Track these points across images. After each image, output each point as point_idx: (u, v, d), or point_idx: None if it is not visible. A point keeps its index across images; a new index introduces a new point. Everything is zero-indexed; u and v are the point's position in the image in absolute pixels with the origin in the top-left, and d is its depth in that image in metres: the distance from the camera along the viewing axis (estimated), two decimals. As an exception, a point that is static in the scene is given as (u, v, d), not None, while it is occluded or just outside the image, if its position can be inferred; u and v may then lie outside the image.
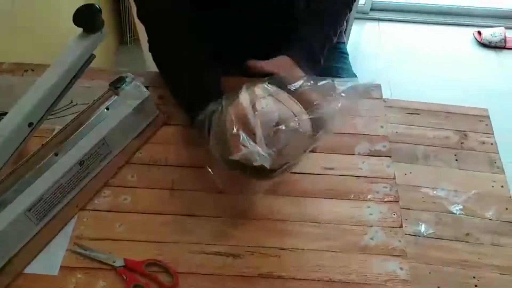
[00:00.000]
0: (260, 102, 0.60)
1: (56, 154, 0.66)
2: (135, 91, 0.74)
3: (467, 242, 0.69)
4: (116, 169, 0.73)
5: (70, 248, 0.64)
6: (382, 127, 0.81)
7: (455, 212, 0.72)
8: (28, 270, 0.62)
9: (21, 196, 0.62)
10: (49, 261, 0.63)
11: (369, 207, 0.71)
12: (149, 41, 0.82)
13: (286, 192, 0.72)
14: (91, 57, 0.63)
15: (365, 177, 0.74)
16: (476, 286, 0.64)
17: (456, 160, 0.79)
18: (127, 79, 0.74)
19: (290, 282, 0.63)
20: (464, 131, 0.83)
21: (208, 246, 0.65)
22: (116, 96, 0.73)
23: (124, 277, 0.61)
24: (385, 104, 0.85)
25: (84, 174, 0.69)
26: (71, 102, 0.80)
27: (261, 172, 0.59)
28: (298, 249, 0.66)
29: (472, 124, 0.84)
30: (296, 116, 0.60)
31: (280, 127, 0.58)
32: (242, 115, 0.59)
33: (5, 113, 0.75)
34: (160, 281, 0.61)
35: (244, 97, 0.61)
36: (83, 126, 0.69)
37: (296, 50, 0.79)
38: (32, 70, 0.86)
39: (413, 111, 0.86)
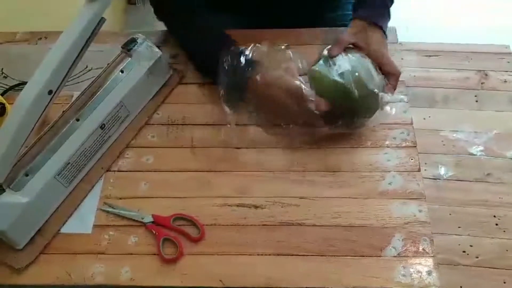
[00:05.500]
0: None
1: (77, 120, 0.68)
2: (148, 52, 0.74)
3: (487, 182, 0.68)
4: (136, 131, 0.74)
5: (101, 207, 0.67)
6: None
7: (475, 153, 0.71)
8: (64, 230, 0.66)
9: (49, 162, 0.64)
10: (83, 220, 0.66)
11: (386, 153, 0.71)
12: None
13: (304, 144, 0.72)
14: (102, 20, 0.62)
15: (382, 123, 0.74)
16: (496, 224, 0.65)
17: (477, 101, 0.77)
18: (138, 40, 0.73)
19: (310, 228, 0.65)
20: (484, 70, 0.80)
21: (231, 199, 0.67)
22: (129, 58, 0.73)
23: (154, 232, 0.64)
24: (402, 48, 0.83)
25: (106, 137, 0.71)
26: (86, 67, 0.81)
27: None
28: (317, 197, 0.67)
29: (493, 62, 0.81)
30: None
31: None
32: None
33: (24, 83, 0.77)
34: (187, 233, 0.64)
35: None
36: (101, 91, 0.70)
37: (363, 10, 0.76)
38: (46, 38, 0.86)
39: (430, 53, 0.83)
